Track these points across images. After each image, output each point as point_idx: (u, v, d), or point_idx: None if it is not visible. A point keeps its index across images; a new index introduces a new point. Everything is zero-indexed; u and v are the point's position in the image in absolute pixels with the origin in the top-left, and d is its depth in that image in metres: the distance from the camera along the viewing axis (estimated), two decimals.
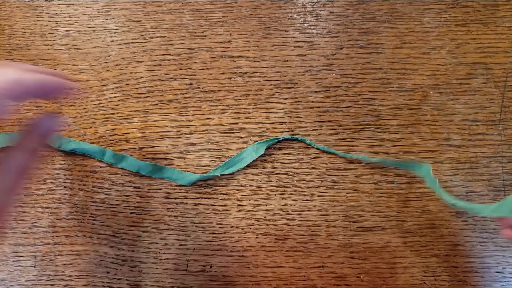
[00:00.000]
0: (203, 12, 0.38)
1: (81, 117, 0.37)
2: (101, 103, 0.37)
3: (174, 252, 0.35)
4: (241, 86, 0.37)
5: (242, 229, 0.35)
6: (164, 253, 0.35)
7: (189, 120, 0.37)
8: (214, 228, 0.35)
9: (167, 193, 0.36)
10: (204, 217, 0.36)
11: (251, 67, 0.37)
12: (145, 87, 0.37)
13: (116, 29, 0.38)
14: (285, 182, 0.36)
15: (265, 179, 0.36)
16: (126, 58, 0.38)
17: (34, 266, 0.35)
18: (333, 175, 0.36)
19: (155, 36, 0.38)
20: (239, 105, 0.37)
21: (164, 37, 0.38)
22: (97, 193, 0.36)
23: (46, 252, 0.35)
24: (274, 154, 0.36)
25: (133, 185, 0.36)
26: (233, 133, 0.36)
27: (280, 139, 0.36)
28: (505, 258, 0.34)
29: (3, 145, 0.37)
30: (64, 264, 0.35)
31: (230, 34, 0.38)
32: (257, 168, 0.36)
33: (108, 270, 0.35)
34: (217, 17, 0.38)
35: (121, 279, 0.35)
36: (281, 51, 0.38)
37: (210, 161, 0.36)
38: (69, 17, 0.39)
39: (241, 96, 0.37)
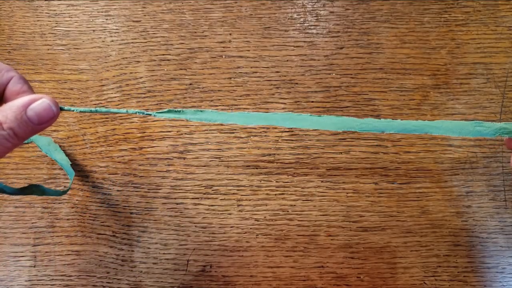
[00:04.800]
0: (203, 12, 0.38)
1: (81, 117, 0.37)
2: (101, 103, 0.37)
3: (174, 252, 0.35)
4: (241, 86, 0.37)
5: (242, 229, 0.35)
6: (164, 253, 0.35)
7: (189, 120, 0.37)
8: (214, 228, 0.35)
9: (167, 193, 0.36)
10: (204, 217, 0.35)
11: (251, 67, 0.37)
12: (145, 87, 0.37)
13: (116, 29, 0.38)
14: (285, 182, 0.36)
15: (265, 179, 0.36)
16: (126, 58, 0.38)
17: (34, 266, 0.35)
18: (333, 175, 0.36)
19: (155, 36, 0.38)
20: (239, 105, 0.37)
21: (164, 37, 0.38)
22: (97, 193, 0.36)
23: (46, 252, 0.35)
24: (274, 154, 0.36)
25: (133, 185, 0.36)
26: (233, 133, 0.36)
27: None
28: (505, 258, 0.34)
29: None
30: (64, 264, 0.35)
31: (230, 34, 0.38)
32: (257, 168, 0.36)
33: (108, 270, 0.35)
34: (217, 17, 0.38)
35: (121, 279, 0.35)
36: (281, 51, 0.38)
37: (210, 161, 0.36)
38: (69, 17, 0.39)
39: (241, 96, 0.37)
